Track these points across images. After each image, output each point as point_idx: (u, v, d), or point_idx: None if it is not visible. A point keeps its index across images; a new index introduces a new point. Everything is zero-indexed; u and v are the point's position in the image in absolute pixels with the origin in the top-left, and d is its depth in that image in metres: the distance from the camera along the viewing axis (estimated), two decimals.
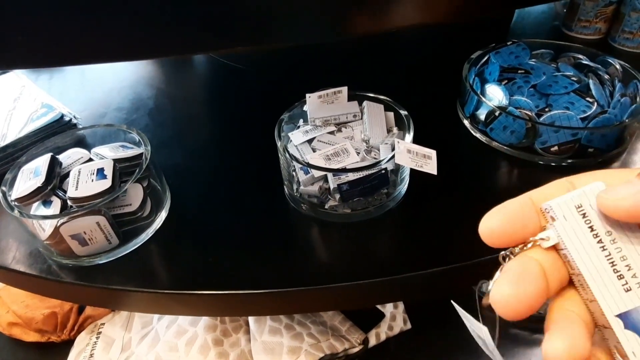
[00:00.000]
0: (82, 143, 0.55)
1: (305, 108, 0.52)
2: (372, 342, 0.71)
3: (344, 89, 0.52)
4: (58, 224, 0.43)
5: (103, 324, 0.74)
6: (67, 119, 0.62)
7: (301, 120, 0.53)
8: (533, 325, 0.76)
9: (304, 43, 0.28)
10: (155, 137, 0.63)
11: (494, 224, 0.22)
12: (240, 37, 0.29)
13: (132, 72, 0.77)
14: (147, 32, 0.29)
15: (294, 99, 0.53)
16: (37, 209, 0.46)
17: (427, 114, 0.55)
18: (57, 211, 0.45)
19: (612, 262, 0.21)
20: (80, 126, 0.63)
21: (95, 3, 0.27)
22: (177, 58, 0.79)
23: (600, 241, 0.22)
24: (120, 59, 0.32)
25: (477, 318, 0.26)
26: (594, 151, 0.52)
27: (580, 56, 0.61)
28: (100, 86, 0.75)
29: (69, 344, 0.75)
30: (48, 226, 0.44)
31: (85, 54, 0.30)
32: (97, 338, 0.72)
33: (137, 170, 0.46)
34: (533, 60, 0.61)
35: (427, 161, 0.45)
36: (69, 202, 0.44)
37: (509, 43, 0.62)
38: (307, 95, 0.51)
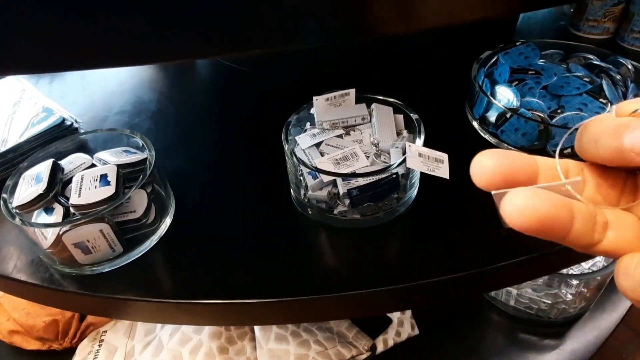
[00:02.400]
0: (83, 148, 0.54)
1: (312, 111, 0.51)
2: (380, 348, 0.70)
3: (352, 91, 0.51)
4: (60, 232, 0.42)
5: (105, 331, 0.72)
6: (68, 123, 0.61)
7: (308, 124, 0.52)
8: (543, 331, 0.75)
9: (317, 45, 0.27)
10: (158, 141, 0.62)
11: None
12: (253, 41, 0.27)
13: (133, 75, 0.76)
14: (151, 37, 0.28)
15: (301, 101, 0.52)
16: (38, 216, 0.45)
17: (435, 115, 0.54)
18: (60, 219, 0.43)
19: None
20: (82, 130, 0.62)
21: (99, 7, 0.26)
22: (182, 62, 0.77)
23: None
24: (123, 64, 0.31)
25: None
26: None
27: (591, 56, 0.60)
28: (102, 89, 0.74)
29: (70, 351, 0.74)
30: (50, 234, 0.43)
31: (88, 58, 0.29)
32: (100, 346, 0.70)
33: (141, 176, 0.45)
34: (542, 60, 0.60)
35: (439, 165, 0.44)
36: (72, 210, 0.43)
37: (517, 43, 0.61)
38: (314, 97, 0.50)
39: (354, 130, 0.50)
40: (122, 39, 0.27)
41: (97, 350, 0.70)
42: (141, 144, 0.50)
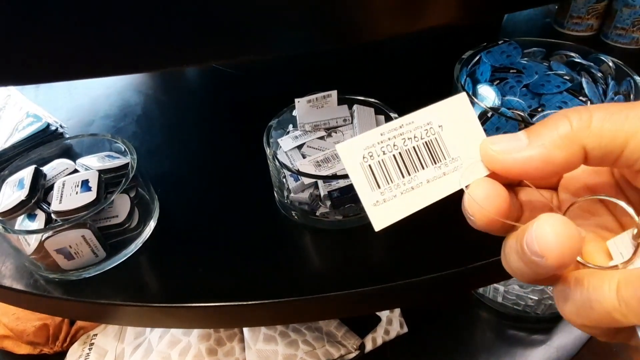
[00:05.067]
0: (68, 153, 0.54)
1: (294, 113, 0.52)
2: (369, 347, 0.70)
3: (334, 93, 0.51)
4: (42, 239, 0.42)
5: (95, 335, 0.73)
6: (53, 128, 0.61)
7: (290, 126, 0.53)
8: (530, 326, 0.76)
9: (299, 53, 0.27)
10: (144, 145, 0.62)
11: None
12: (240, 49, 0.28)
13: (119, 79, 0.76)
14: (137, 46, 0.28)
15: (285, 103, 0.52)
16: (21, 222, 0.45)
17: None
18: (42, 225, 0.44)
19: None
20: (67, 135, 0.62)
21: (84, 20, 0.26)
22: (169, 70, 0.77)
23: None
24: (110, 74, 0.31)
25: None
26: None
27: (573, 54, 0.60)
28: (88, 94, 0.74)
29: (61, 355, 0.74)
30: (33, 241, 0.43)
31: (75, 69, 0.29)
32: (90, 349, 0.71)
33: (123, 181, 0.45)
34: (525, 59, 0.60)
35: None
36: (53, 216, 0.43)
37: (500, 42, 0.61)
38: (296, 100, 0.51)
39: (336, 132, 0.51)
40: (110, 49, 0.27)
41: (88, 353, 0.70)
42: (123, 149, 0.50)
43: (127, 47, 0.25)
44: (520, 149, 0.21)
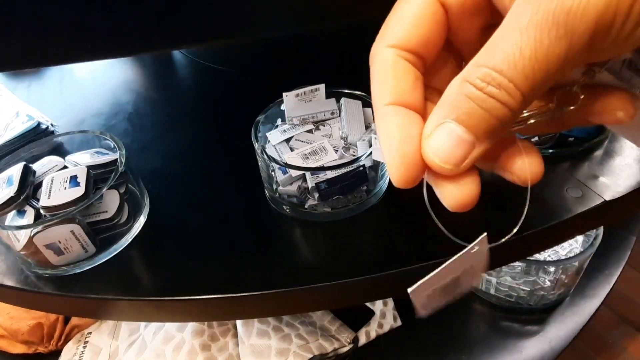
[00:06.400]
0: (58, 151, 0.54)
1: (282, 107, 0.52)
2: (362, 340, 0.70)
3: (321, 87, 0.51)
4: (32, 234, 0.42)
5: (90, 333, 0.73)
6: (43, 127, 0.61)
7: (279, 120, 0.53)
8: (524, 318, 0.76)
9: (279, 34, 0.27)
10: (135, 142, 0.62)
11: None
12: (213, 31, 0.28)
13: (110, 77, 0.76)
14: (119, 30, 0.28)
15: (273, 98, 0.52)
16: (11, 219, 0.46)
17: None
18: (31, 221, 0.44)
19: None
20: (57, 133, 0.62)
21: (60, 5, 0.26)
22: (152, 54, 0.78)
23: None
24: (95, 58, 0.31)
25: None
26: (575, 140, 0.51)
27: None
28: (79, 92, 0.74)
29: (56, 354, 0.74)
30: (22, 236, 0.43)
31: (58, 54, 0.30)
32: (85, 347, 0.71)
33: (111, 177, 0.45)
34: None
35: None
36: (42, 211, 0.43)
37: None
38: (284, 94, 0.51)
39: (324, 125, 0.51)
40: (89, 34, 0.28)
41: (82, 351, 0.70)
42: (112, 145, 0.50)
43: (103, 32, 0.25)
44: (470, 149, 0.20)
